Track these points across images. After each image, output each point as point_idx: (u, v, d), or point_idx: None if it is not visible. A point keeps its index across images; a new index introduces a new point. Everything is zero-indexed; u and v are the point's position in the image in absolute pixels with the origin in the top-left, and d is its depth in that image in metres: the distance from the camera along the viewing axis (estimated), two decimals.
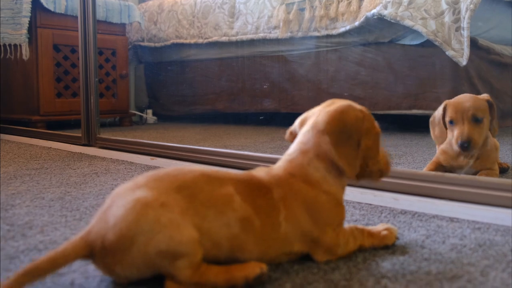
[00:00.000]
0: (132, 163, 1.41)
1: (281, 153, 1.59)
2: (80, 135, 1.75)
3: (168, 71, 3.03)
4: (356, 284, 0.55)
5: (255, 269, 0.53)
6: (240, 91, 2.64)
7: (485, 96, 1.11)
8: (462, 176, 1.01)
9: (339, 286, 0.54)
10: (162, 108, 3.09)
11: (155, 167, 1.34)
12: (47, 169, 1.30)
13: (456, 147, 1.08)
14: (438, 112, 1.14)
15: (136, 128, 2.63)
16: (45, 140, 1.94)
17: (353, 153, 0.59)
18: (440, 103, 1.92)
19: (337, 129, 0.59)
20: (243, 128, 2.49)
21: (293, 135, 0.67)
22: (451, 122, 1.10)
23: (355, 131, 0.60)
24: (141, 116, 3.07)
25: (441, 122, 1.12)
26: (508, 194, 0.82)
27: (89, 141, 1.71)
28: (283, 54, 2.43)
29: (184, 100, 2.95)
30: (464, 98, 1.09)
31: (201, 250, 0.51)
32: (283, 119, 2.62)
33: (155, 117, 3.05)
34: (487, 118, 1.09)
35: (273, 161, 1.17)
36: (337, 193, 0.61)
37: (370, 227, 0.67)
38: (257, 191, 0.57)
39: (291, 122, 2.41)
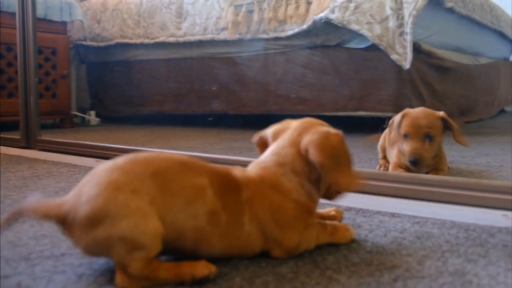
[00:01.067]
0: (76, 165, 1.36)
1: (230, 154, 1.59)
2: (18, 137, 1.67)
3: (112, 71, 2.95)
4: (303, 276, 0.56)
5: (203, 269, 0.54)
6: (187, 92, 2.62)
7: (441, 113, 1.13)
8: (403, 174, 1.06)
9: (287, 279, 0.56)
10: (106, 109, 3.00)
11: None
12: None
13: (406, 162, 1.12)
14: (397, 119, 1.16)
15: (78, 130, 2.54)
16: None
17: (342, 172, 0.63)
18: (384, 105, 2.02)
19: (329, 158, 0.60)
20: (191, 130, 2.47)
21: (263, 141, 0.70)
22: (405, 135, 1.12)
23: (342, 155, 0.62)
24: (83, 118, 2.96)
25: (397, 128, 1.14)
26: (445, 190, 0.87)
27: (28, 143, 1.63)
28: (232, 56, 2.44)
29: (130, 101, 2.88)
30: (421, 115, 1.12)
31: (160, 246, 0.52)
32: (232, 120, 2.62)
33: (98, 119, 2.95)
34: (440, 135, 1.12)
35: (221, 162, 1.18)
36: (307, 203, 0.63)
37: (334, 222, 0.69)
38: (229, 187, 0.59)
39: (239, 124, 2.43)
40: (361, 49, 2.09)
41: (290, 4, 2.18)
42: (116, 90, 2.94)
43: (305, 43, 2.20)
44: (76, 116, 2.87)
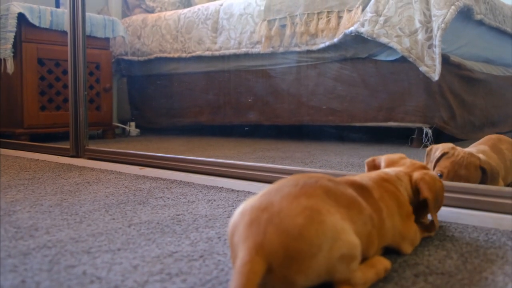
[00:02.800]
0: (121, 173, 1.47)
1: (263, 162, 1.67)
2: (68, 146, 1.80)
3: (152, 84, 3.10)
4: None
5: (385, 261, 0.61)
6: (223, 104, 2.73)
7: (481, 161, 1.04)
8: None
9: None
10: (145, 121, 3.14)
11: (144, 176, 1.40)
12: (39, 179, 1.35)
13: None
14: (436, 155, 1.08)
15: (120, 140, 2.68)
16: (30, 152, 1.97)
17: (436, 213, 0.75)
18: (414, 116, 2.06)
19: (434, 197, 0.73)
20: (226, 140, 2.57)
21: (375, 163, 0.82)
22: (440, 175, 1.05)
23: (440, 199, 0.76)
24: (124, 129, 3.12)
25: (433, 163, 1.08)
26: (468, 197, 0.92)
27: (77, 153, 1.76)
28: (265, 69, 2.53)
29: (168, 113, 3.01)
30: (462, 164, 1.03)
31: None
32: (266, 130, 2.71)
33: (138, 130, 3.10)
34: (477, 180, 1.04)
35: (257, 169, 1.26)
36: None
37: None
38: (364, 191, 0.64)
39: (273, 134, 2.51)
40: (390, 61, 2.13)
41: (321, 18, 2.25)
42: (155, 102, 3.08)
43: (335, 56, 2.26)
44: (117, 127, 3.02)
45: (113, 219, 0.89)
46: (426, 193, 0.72)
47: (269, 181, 1.21)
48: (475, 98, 2.29)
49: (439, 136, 2.05)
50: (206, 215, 0.93)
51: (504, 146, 1.16)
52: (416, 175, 0.74)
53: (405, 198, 0.71)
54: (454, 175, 1.03)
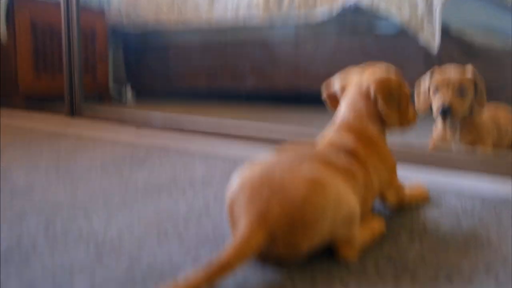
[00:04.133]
0: (118, 133, 1.46)
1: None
2: (63, 109, 1.78)
3: (147, 53, 3.06)
4: None
5: (381, 223, 0.62)
6: (220, 71, 2.71)
7: (471, 69, 1.07)
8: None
9: None
10: (142, 89, 3.12)
11: (141, 137, 1.39)
12: (35, 142, 1.34)
13: (437, 117, 1.07)
14: (425, 79, 1.10)
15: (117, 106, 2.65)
16: (27, 117, 1.95)
17: (394, 111, 0.70)
18: (412, 88, 2.04)
19: (386, 94, 0.69)
20: (223, 106, 2.54)
21: (333, 96, 0.76)
22: (436, 90, 1.07)
23: (396, 95, 0.70)
24: (120, 96, 3.10)
25: (426, 90, 1.09)
26: (464, 158, 0.92)
27: (73, 114, 1.74)
28: (263, 39, 2.49)
29: (165, 82, 2.99)
30: (452, 69, 1.07)
31: None
32: (264, 99, 2.69)
33: (133, 96, 3.09)
34: (472, 92, 1.06)
35: (254, 128, 1.23)
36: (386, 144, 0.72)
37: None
38: (353, 156, 0.63)
39: (270, 101, 2.47)
40: (390, 33, 2.11)
41: None
42: (151, 70, 3.06)
43: (334, 28, 2.24)
44: (113, 94, 3.01)
45: (110, 180, 0.89)
46: (375, 92, 0.69)
47: (267, 140, 1.20)
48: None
49: None
50: (202, 176, 0.92)
51: (502, 114, 1.17)
52: (365, 85, 0.70)
53: (387, 149, 0.69)
54: (448, 78, 1.05)
